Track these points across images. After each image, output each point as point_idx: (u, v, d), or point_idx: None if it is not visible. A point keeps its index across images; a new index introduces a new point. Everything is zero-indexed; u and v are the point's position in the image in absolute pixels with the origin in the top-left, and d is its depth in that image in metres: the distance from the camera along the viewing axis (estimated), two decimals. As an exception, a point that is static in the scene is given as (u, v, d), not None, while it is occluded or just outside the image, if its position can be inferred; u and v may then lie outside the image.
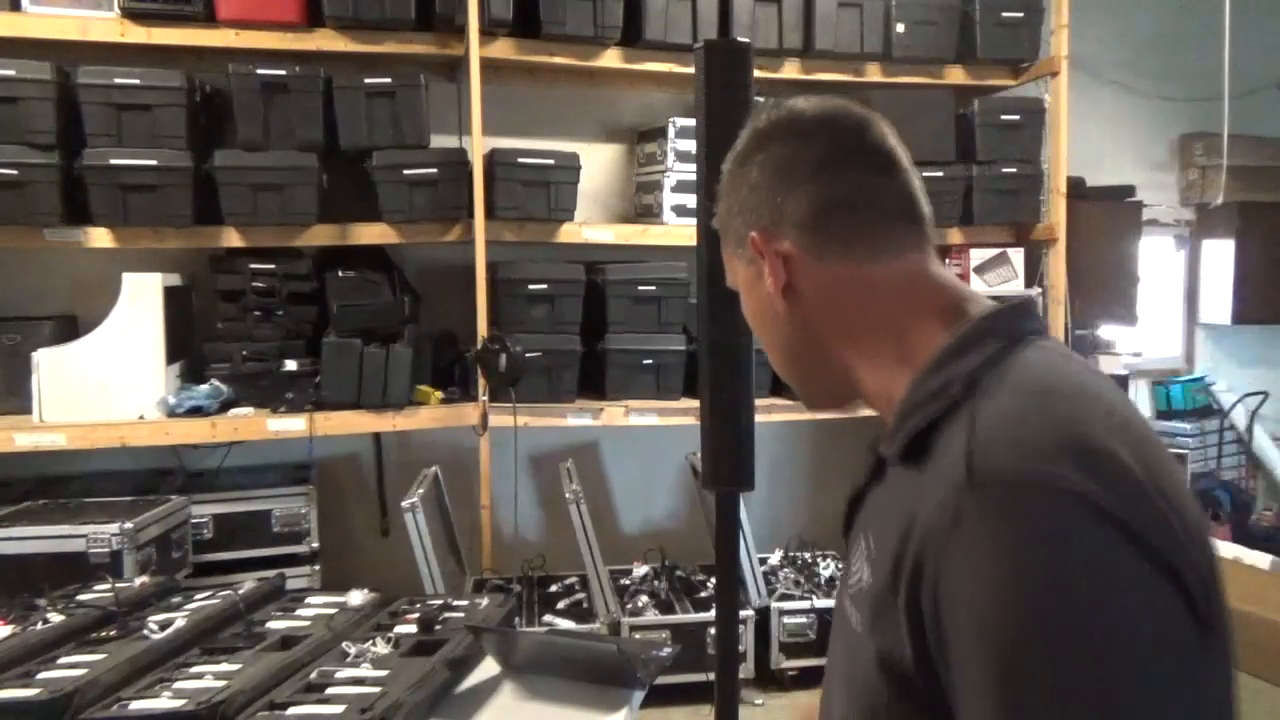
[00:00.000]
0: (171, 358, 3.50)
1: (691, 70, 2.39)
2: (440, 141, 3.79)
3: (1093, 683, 0.63)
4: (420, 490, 3.33)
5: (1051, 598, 0.65)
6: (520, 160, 3.67)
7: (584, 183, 3.86)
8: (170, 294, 3.48)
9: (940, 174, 4.08)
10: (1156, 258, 5.12)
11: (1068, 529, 0.67)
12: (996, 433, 0.72)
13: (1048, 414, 0.73)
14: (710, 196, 1.01)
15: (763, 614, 3.67)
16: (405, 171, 3.56)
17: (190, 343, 3.69)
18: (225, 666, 1.69)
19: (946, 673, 0.71)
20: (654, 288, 3.87)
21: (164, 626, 1.87)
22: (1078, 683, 0.64)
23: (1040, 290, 4.28)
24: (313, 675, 1.67)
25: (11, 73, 3.26)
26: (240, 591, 2.11)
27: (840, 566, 2.74)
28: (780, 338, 0.95)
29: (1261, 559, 4.07)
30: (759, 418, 2.42)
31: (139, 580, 2.25)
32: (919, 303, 0.88)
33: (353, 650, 1.77)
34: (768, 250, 0.90)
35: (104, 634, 1.88)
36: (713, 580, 3.70)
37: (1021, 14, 4.17)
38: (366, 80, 3.55)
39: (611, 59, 3.86)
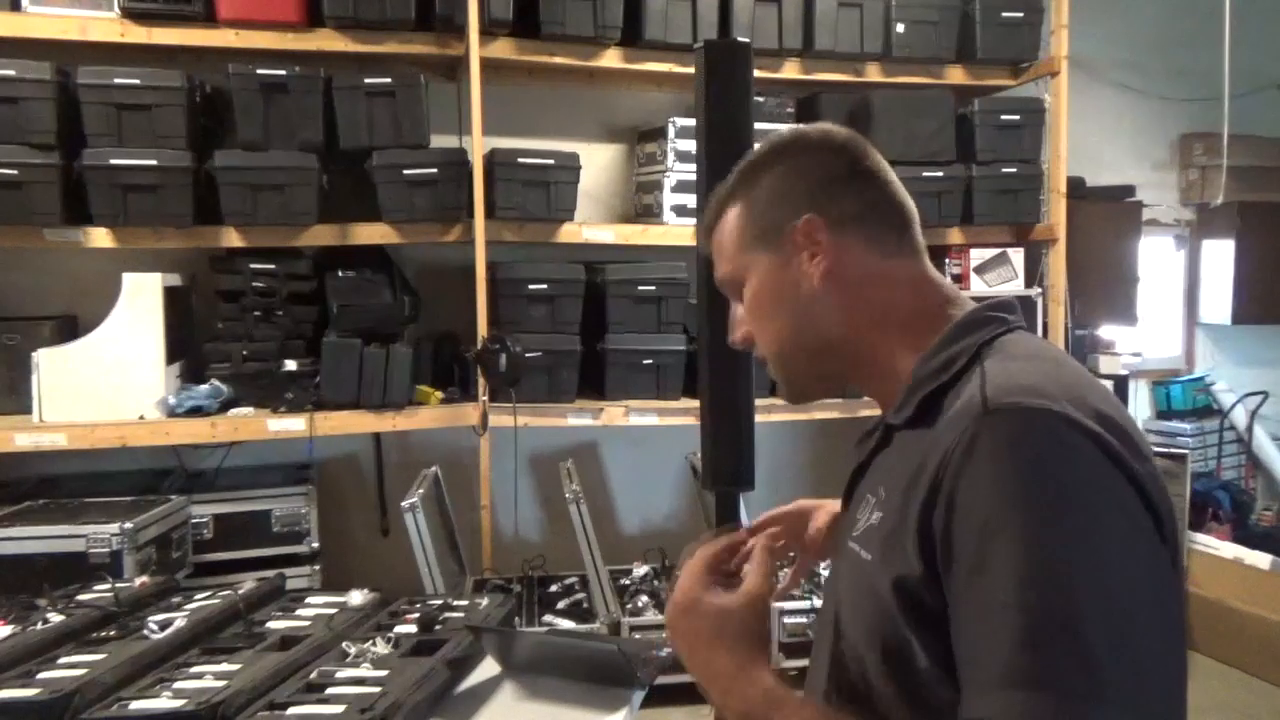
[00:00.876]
0: (171, 358, 3.50)
1: (691, 70, 2.39)
2: (440, 141, 3.79)
3: (1094, 568, 0.76)
4: (420, 490, 3.33)
5: (1054, 497, 0.78)
6: (520, 160, 3.68)
7: (584, 183, 3.86)
8: (170, 294, 3.48)
9: (940, 174, 4.08)
10: (1156, 258, 5.12)
11: (1068, 447, 0.80)
12: (1004, 381, 0.86)
13: (1044, 371, 0.88)
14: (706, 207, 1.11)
15: (763, 614, 3.66)
16: (405, 171, 3.56)
17: (190, 343, 3.69)
18: (225, 666, 1.68)
19: (949, 577, 0.81)
20: (654, 288, 3.87)
21: (164, 626, 1.87)
22: (1079, 567, 0.76)
23: (1040, 290, 4.27)
24: (313, 675, 1.67)
25: (11, 73, 3.26)
26: (240, 591, 2.10)
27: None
28: (795, 321, 1.03)
29: (1261, 559, 4.08)
30: (759, 418, 2.43)
31: (139, 580, 2.24)
32: (925, 296, 1.02)
33: (353, 650, 1.77)
34: (823, 236, 1.00)
35: (104, 634, 1.87)
36: (713, 580, 3.70)
37: (1021, 14, 4.17)
38: (366, 80, 3.55)
39: (611, 59, 3.86)
